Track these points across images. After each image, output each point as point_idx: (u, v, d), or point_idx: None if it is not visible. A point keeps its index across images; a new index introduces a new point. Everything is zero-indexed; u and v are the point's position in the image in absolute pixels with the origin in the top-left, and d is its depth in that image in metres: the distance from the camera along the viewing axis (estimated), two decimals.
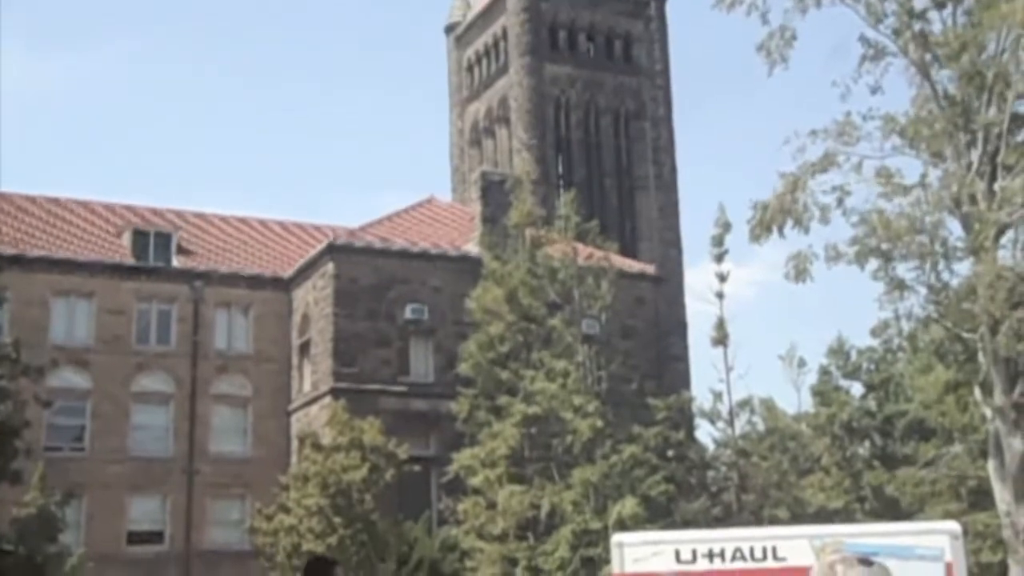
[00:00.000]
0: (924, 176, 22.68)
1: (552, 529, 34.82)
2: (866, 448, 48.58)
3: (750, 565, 15.80)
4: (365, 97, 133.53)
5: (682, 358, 54.93)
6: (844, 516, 41.39)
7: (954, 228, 22.63)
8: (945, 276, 23.00)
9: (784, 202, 21.99)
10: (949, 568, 15.41)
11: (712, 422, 43.04)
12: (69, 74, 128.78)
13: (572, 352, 37.27)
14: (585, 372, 37.17)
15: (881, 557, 15.72)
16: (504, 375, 37.03)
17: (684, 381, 51.27)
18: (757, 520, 39.37)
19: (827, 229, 22.72)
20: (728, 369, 40.40)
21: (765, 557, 15.77)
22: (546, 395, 35.68)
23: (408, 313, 43.52)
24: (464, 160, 66.79)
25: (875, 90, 23.07)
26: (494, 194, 45.59)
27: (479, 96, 66.93)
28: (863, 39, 22.83)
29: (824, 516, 40.39)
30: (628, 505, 33.22)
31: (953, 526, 16.23)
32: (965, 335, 23.44)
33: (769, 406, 48.53)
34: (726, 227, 39.83)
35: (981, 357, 22.90)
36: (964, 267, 23.06)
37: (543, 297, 38.08)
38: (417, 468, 37.48)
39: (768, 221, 22.16)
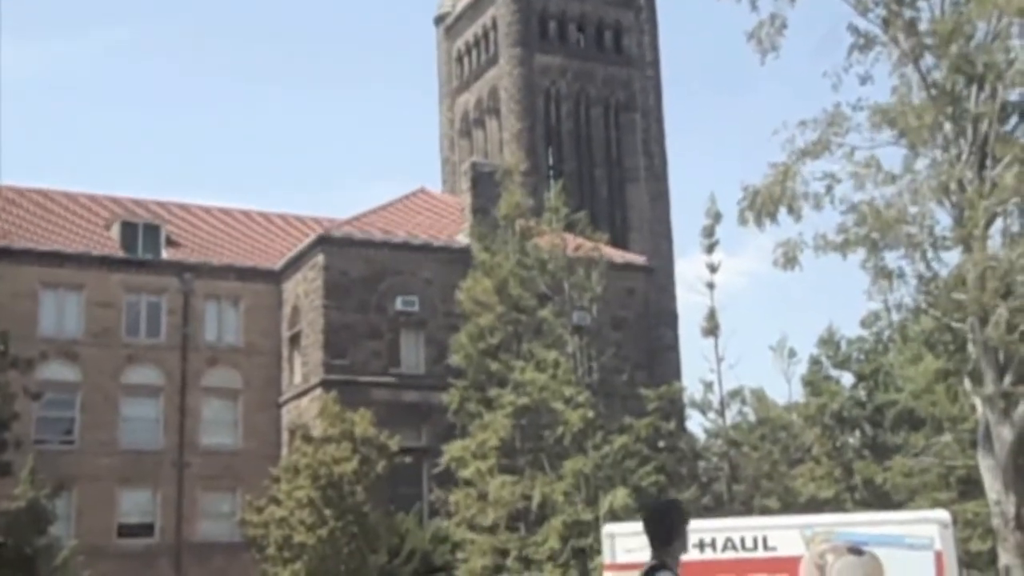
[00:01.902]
0: (912, 165, 22.66)
1: (543, 520, 34.82)
2: (856, 438, 48.69)
3: (741, 555, 15.81)
4: (355, 88, 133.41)
5: (673, 348, 55.09)
6: (834, 506, 41.47)
7: (942, 217, 22.64)
8: (935, 266, 23.01)
9: (774, 191, 21.96)
10: (939, 557, 15.43)
11: (703, 412, 43.13)
12: (57, 62, 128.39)
13: (562, 343, 37.25)
14: (576, 363, 37.16)
15: (871, 546, 15.79)
16: (494, 366, 37.00)
17: (675, 371, 51.40)
18: (748, 510, 39.45)
19: (819, 218, 22.74)
20: (719, 359, 40.48)
21: (756, 547, 15.78)
22: (536, 386, 35.66)
23: (399, 305, 43.49)
24: (454, 151, 66.73)
25: (865, 80, 23.04)
26: (484, 185, 45.54)
27: (469, 87, 66.86)
28: (852, 28, 22.79)
29: (814, 506, 40.49)
30: (619, 496, 33.24)
31: (943, 515, 16.25)
32: (955, 325, 23.44)
33: (760, 396, 48.61)
34: (717, 217, 39.83)
35: (971, 347, 22.90)
36: (953, 256, 23.07)
37: (533, 288, 38.04)
38: (408, 460, 37.44)
39: (759, 208, 22.12)
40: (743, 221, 22.49)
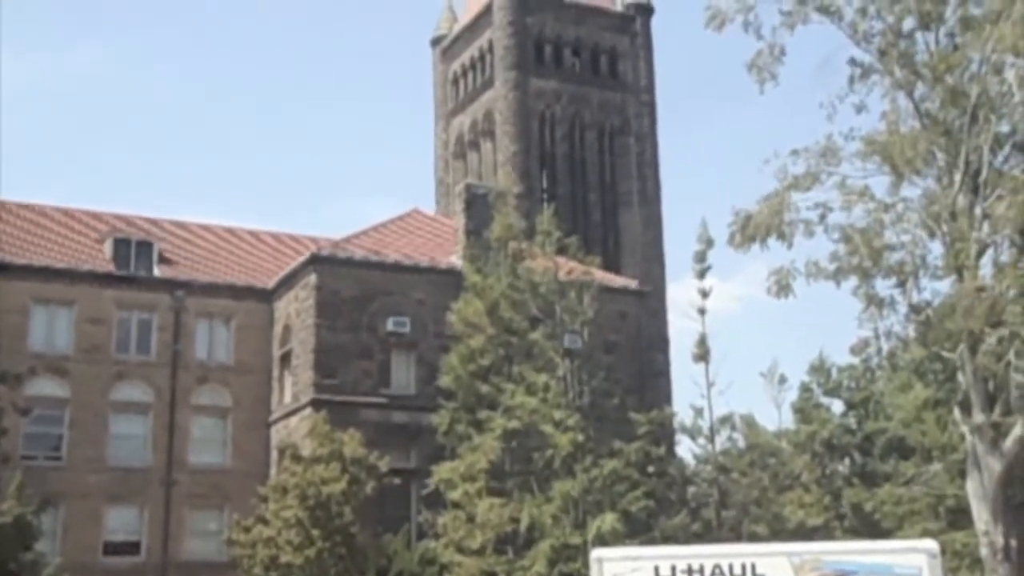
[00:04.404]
0: (898, 192, 22.80)
1: (531, 543, 34.73)
2: (846, 466, 48.71)
3: None
4: (350, 109, 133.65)
5: (664, 373, 55.01)
6: (823, 533, 41.44)
7: (934, 246, 22.75)
8: (925, 295, 23.13)
9: (773, 221, 22.07)
10: None
11: (693, 438, 43.11)
12: (50, 76, 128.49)
13: (553, 366, 37.24)
14: (566, 386, 37.13)
15: (859, 575, 15.79)
16: (485, 388, 36.98)
17: (666, 396, 51.34)
18: (737, 536, 39.44)
19: (811, 244, 22.82)
20: (709, 385, 40.54)
21: (744, 574, 15.76)
22: (527, 409, 35.64)
23: (390, 325, 43.44)
24: (449, 173, 66.86)
25: (860, 109, 23.22)
26: (478, 207, 45.60)
27: (464, 109, 67.05)
28: (851, 60, 23.00)
29: (803, 533, 40.45)
30: (608, 520, 33.18)
31: (931, 545, 16.23)
32: (945, 354, 23.52)
33: (750, 422, 48.57)
34: (709, 243, 39.98)
35: (960, 376, 23.00)
36: (944, 286, 23.19)
37: (525, 311, 38.07)
38: (397, 481, 37.37)
39: (751, 233, 22.25)
40: (734, 245, 22.63)
